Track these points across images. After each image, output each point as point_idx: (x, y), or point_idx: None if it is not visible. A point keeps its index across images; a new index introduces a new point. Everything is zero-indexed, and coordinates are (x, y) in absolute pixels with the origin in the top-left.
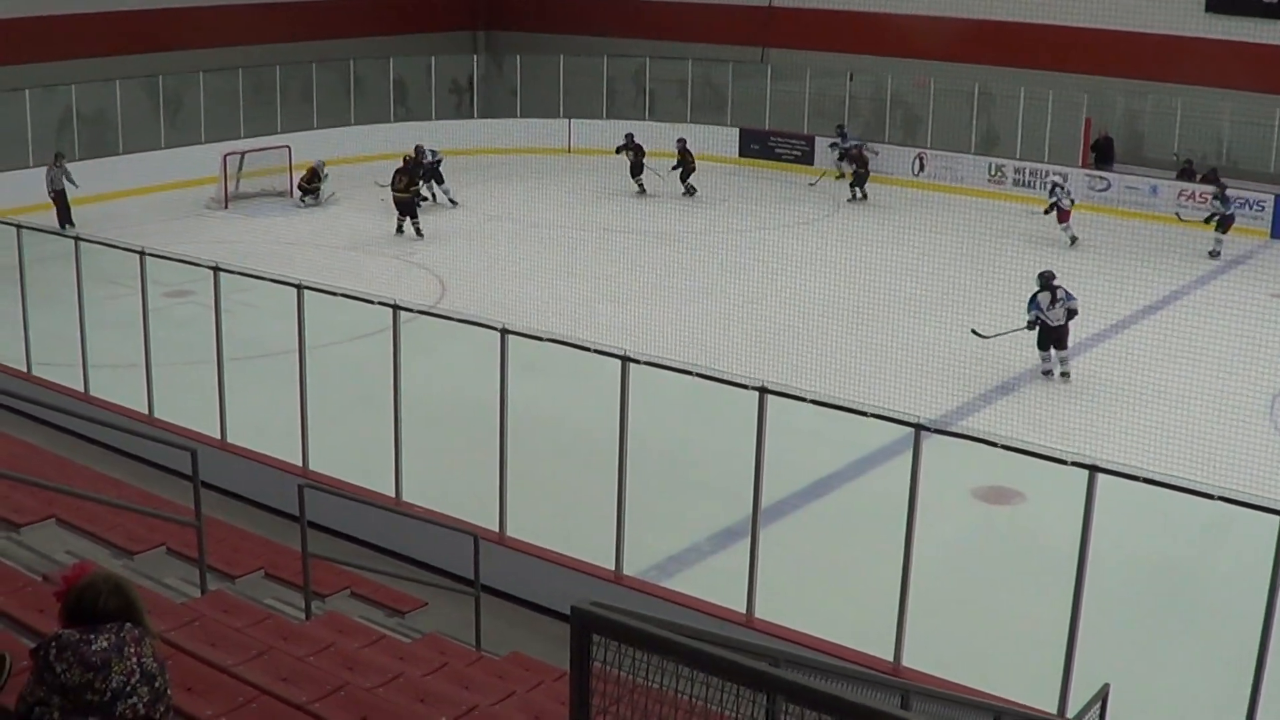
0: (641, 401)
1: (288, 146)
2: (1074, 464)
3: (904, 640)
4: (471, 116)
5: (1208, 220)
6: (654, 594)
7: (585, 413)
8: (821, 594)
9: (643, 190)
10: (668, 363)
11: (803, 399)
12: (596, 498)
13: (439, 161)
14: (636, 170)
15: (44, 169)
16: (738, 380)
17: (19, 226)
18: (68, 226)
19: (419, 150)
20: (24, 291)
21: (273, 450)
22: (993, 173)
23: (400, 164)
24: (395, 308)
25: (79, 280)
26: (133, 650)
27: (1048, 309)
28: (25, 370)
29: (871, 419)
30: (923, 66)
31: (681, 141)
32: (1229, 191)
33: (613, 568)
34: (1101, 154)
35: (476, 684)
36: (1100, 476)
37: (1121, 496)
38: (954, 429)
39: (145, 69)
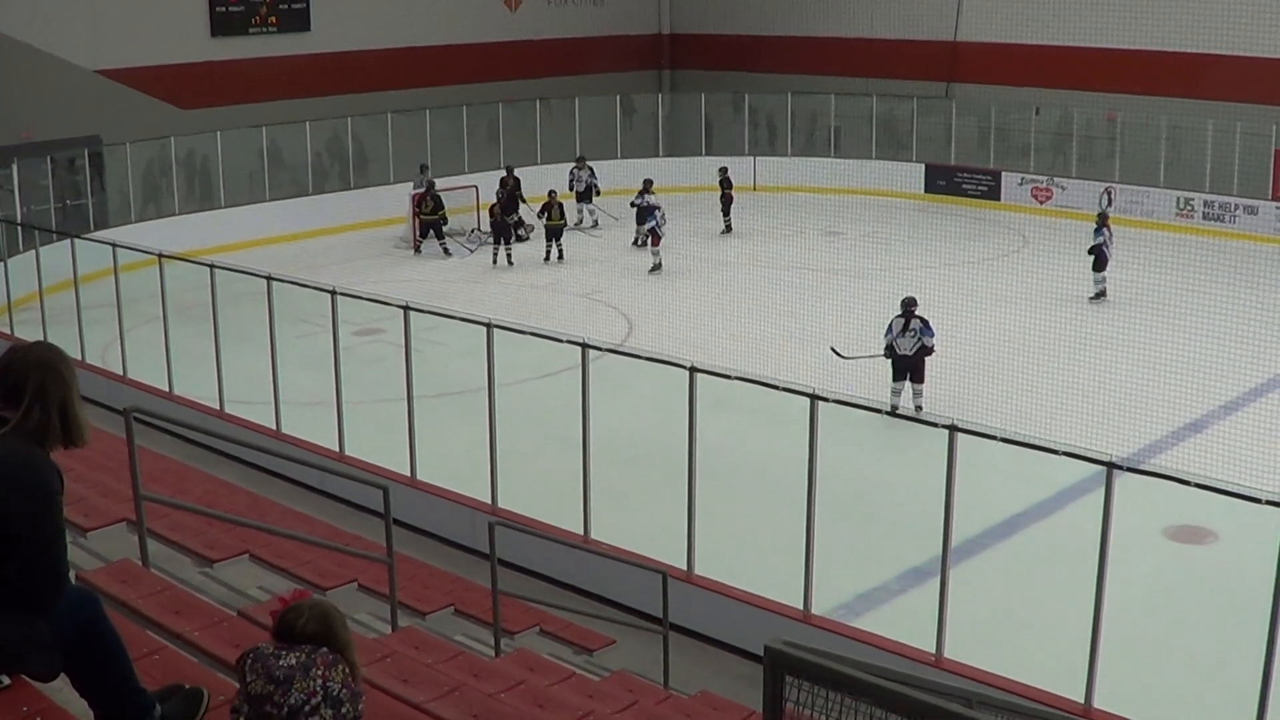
0: (830, 439)
1: (475, 186)
2: (1268, 503)
3: (1095, 681)
4: (657, 155)
5: None
6: (843, 633)
7: (773, 450)
8: (1011, 633)
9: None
10: (857, 400)
11: (993, 437)
12: (785, 536)
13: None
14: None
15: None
16: (927, 418)
17: (212, 266)
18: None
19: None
20: (217, 330)
21: (461, 487)
22: (1181, 206)
23: (424, 189)
24: (584, 346)
25: (271, 319)
26: (320, 672)
27: (899, 336)
28: (218, 409)
29: (1063, 457)
30: (1109, 100)
31: (723, 171)
32: None
33: (801, 606)
34: None
35: None
36: None
37: None
38: (1145, 467)
39: (335, 111)
